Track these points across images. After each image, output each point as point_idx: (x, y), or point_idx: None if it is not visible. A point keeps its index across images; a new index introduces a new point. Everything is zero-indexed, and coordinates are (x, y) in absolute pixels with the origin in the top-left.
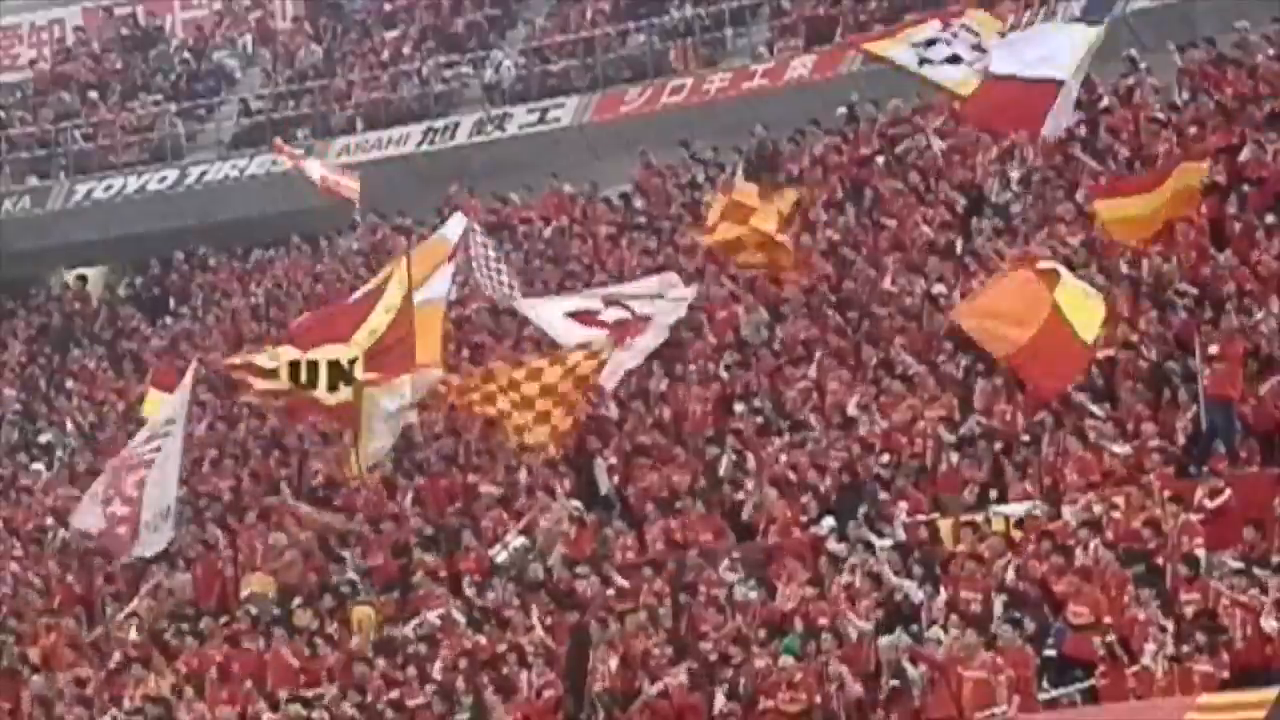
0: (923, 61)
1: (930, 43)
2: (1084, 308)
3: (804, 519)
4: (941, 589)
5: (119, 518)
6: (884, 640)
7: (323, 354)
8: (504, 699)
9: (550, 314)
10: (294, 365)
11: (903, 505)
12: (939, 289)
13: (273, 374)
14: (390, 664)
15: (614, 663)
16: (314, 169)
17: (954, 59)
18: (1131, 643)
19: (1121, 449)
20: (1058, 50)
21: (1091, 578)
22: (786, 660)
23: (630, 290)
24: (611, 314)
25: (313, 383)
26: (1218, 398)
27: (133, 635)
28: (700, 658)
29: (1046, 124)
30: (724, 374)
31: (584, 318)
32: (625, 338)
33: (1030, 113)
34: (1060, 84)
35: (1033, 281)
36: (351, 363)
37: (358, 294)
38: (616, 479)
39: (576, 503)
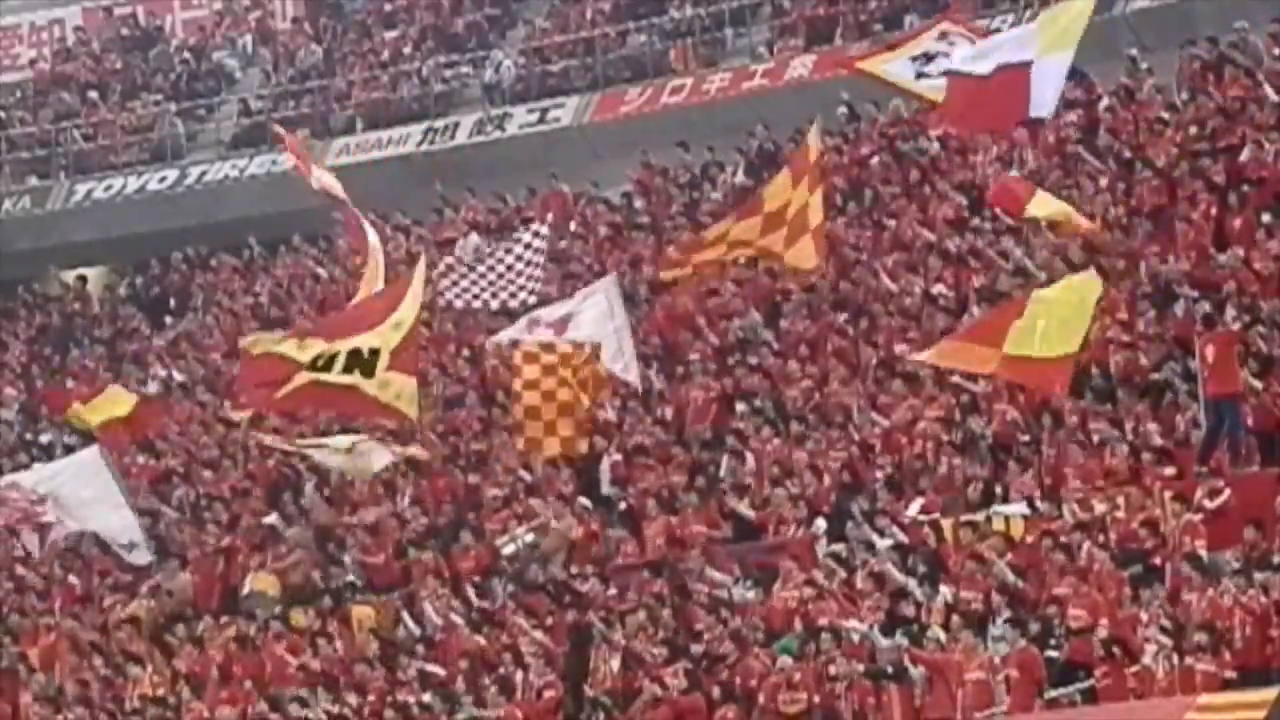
0: (920, 76)
1: (929, 57)
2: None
3: (800, 519)
4: (941, 589)
5: None
6: (885, 641)
7: (345, 344)
8: (504, 699)
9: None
10: (317, 356)
11: (918, 501)
12: (938, 289)
13: (294, 362)
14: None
15: (614, 663)
16: (316, 171)
17: (949, 72)
18: (1131, 643)
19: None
20: (1020, 38)
21: (1088, 579)
22: (784, 661)
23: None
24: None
25: (328, 367)
26: (1221, 396)
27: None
28: (696, 658)
29: (1030, 108)
30: (728, 373)
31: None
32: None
33: (1003, 108)
34: (1027, 65)
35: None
36: (374, 352)
37: (378, 288)
38: (615, 479)
39: (584, 500)
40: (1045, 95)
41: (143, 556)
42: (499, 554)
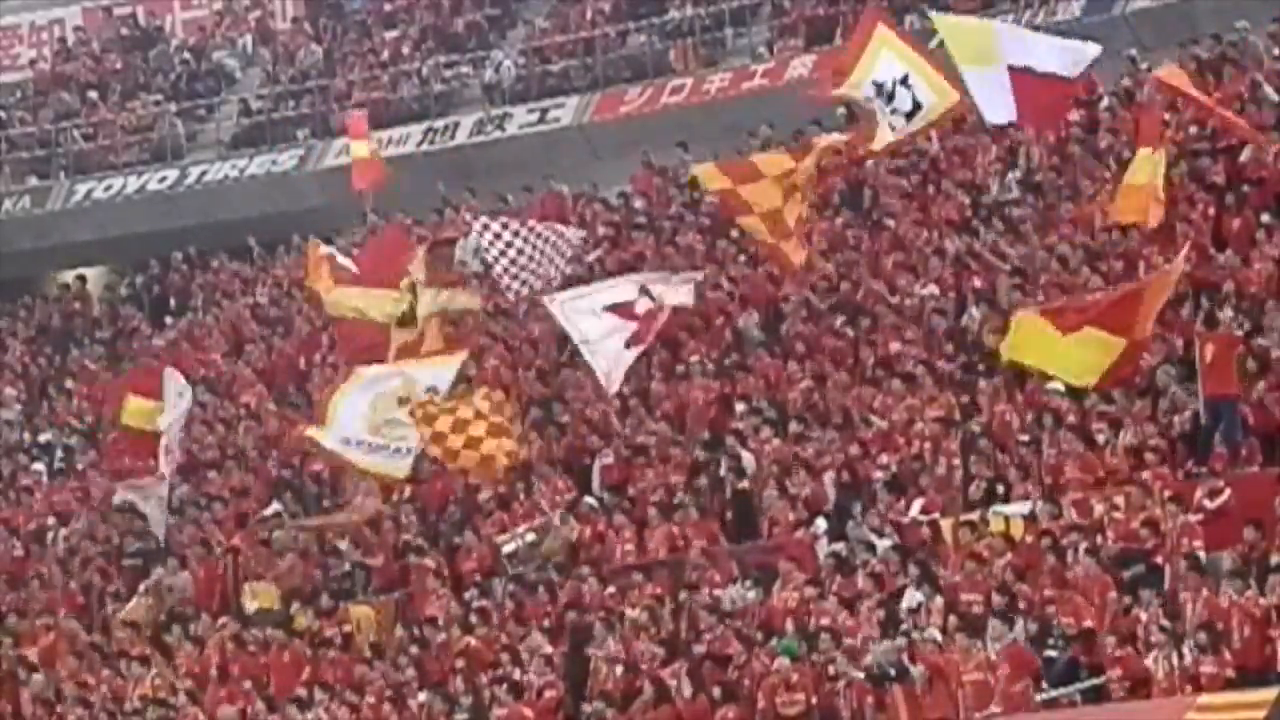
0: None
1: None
2: None
3: (800, 520)
4: (941, 589)
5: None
6: (884, 643)
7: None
8: (513, 699)
9: (585, 307)
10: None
11: (918, 502)
12: (931, 289)
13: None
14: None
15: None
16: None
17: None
18: (1132, 645)
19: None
20: (1061, 50)
21: (1075, 586)
22: (783, 662)
23: (656, 278)
24: (643, 305)
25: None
26: (1220, 396)
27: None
28: (697, 659)
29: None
30: (727, 373)
31: (621, 311)
32: (646, 333)
33: (1052, 108)
34: (1068, 81)
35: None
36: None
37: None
38: (608, 479)
39: (590, 499)
40: (990, 102)
41: (161, 528)
42: (499, 552)
